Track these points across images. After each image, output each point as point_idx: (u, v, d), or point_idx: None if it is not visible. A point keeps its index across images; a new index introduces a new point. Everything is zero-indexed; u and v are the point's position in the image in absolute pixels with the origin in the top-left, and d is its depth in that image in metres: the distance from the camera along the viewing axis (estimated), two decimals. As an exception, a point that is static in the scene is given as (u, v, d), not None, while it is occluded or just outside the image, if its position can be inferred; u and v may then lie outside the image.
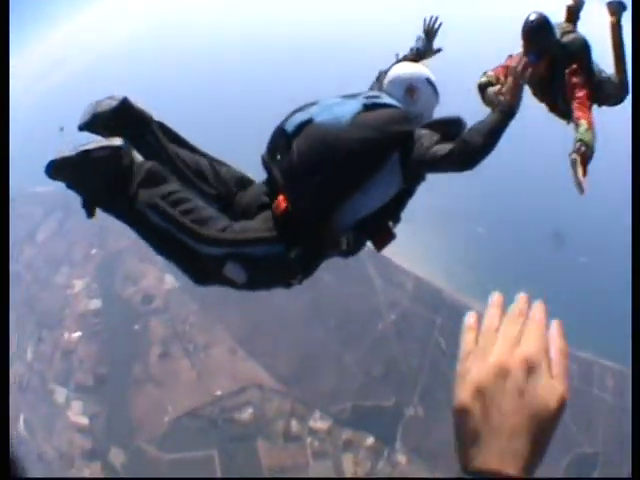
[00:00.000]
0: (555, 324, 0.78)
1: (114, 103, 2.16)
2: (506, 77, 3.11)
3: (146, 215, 2.03)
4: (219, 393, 28.68)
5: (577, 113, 3.10)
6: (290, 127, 2.19)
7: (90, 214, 2.14)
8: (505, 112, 2.20)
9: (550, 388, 0.70)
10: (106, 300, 36.66)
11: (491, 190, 39.12)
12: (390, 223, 2.33)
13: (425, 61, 2.87)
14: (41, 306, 38.71)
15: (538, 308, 0.81)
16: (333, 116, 2.16)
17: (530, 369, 0.70)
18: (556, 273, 34.59)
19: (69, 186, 2.10)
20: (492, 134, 2.16)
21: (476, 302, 28.62)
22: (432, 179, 2.38)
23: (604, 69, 3.46)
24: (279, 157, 2.22)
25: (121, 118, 2.17)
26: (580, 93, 3.15)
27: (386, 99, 2.33)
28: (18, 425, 30.50)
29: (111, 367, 31.42)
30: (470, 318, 0.78)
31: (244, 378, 29.09)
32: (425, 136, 2.18)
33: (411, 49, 2.84)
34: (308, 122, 2.16)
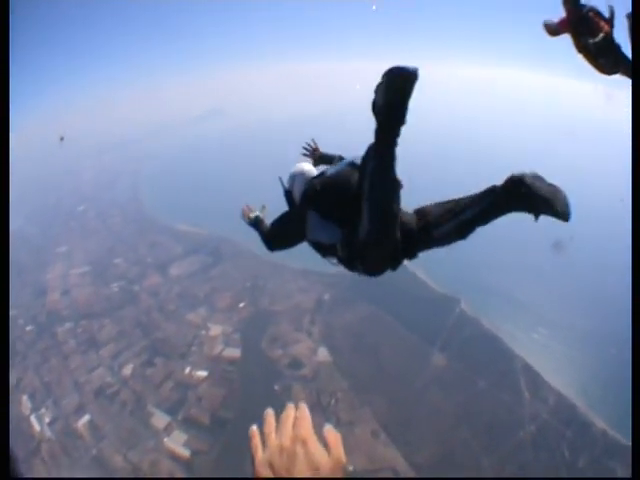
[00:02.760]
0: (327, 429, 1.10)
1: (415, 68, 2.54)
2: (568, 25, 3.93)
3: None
4: (351, 469, 28.39)
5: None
6: None
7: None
8: None
9: (322, 451, 1.01)
10: (247, 353, 37.32)
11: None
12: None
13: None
14: (160, 334, 40.86)
15: (302, 409, 1.13)
16: None
17: (303, 442, 1.03)
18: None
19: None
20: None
21: (601, 420, 31.52)
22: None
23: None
24: None
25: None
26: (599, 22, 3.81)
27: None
28: (79, 421, 32.37)
29: (237, 414, 31.54)
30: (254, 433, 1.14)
31: (380, 460, 28.86)
32: None
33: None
34: None
